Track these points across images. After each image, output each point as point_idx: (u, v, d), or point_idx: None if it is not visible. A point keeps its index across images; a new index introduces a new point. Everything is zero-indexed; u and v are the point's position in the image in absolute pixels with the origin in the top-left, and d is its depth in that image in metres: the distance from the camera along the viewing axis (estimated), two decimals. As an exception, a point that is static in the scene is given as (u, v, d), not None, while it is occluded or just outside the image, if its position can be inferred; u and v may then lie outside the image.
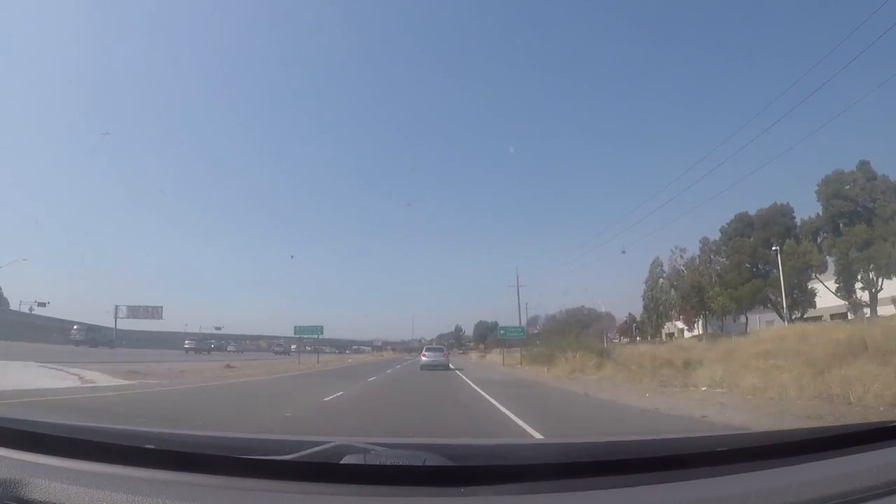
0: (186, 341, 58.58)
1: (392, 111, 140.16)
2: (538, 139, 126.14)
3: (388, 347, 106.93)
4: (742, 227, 54.40)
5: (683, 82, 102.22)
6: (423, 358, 27.85)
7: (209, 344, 64.99)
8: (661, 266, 68.53)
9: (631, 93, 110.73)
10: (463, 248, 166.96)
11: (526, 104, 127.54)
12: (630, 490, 1.33)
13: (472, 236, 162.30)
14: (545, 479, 1.37)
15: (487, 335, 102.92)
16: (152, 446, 1.46)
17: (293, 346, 66.10)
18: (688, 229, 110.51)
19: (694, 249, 61.54)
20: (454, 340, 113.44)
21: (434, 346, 39.62)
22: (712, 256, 62.70)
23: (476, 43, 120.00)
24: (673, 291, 64.70)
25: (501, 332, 39.68)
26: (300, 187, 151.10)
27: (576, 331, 46.87)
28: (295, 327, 39.99)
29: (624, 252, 52.01)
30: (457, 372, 25.14)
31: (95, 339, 47.21)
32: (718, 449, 1.58)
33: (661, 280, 68.19)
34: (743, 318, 57.47)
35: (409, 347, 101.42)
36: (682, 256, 63.06)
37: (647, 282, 71.40)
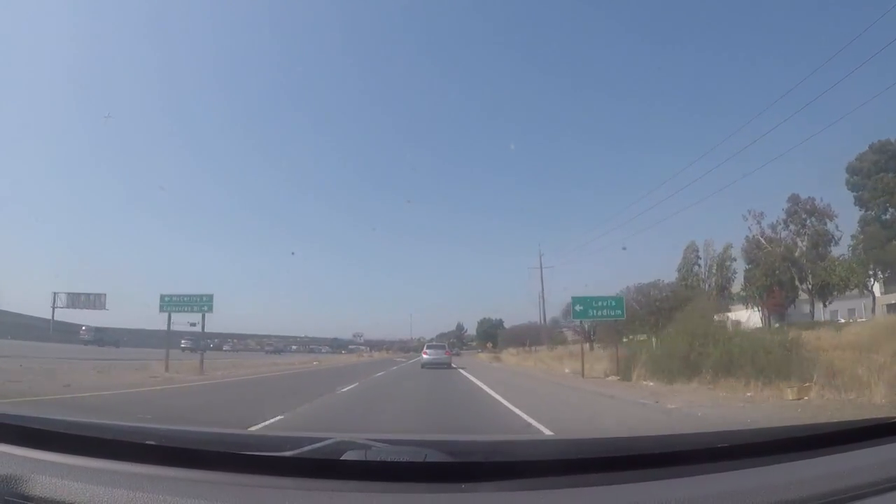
0: (182, 340, 57.17)
1: (391, 110, 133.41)
2: (538, 137, 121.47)
3: (384, 347, 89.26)
4: (884, 159, 36.77)
5: (685, 82, 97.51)
6: (425, 356, 26.46)
7: (207, 343, 65.23)
8: (697, 251, 56.59)
9: (631, 93, 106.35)
10: (463, 246, 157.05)
11: (526, 103, 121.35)
12: (631, 486, 1.32)
13: (473, 235, 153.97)
14: (546, 476, 1.36)
15: (495, 333, 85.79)
16: (153, 442, 1.45)
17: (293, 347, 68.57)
18: (686, 226, 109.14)
19: (775, 213, 47.27)
20: (456, 339, 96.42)
21: (435, 343, 36.14)
22: (806, 218, 44.25)
23: (475, 42, 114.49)
24: (709, 273, 52.56)
25: (577, 308, 20.01)
26: (297, 185, 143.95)
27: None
28: (161, 297, 20.60)
29: (625, 248, 45.26)
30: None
31: (102, 339, 48.02)
32: (718, 445, 1.57)
33: (697, 266, 56.22)
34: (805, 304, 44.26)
35: (407, 347, 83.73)
36: (759, 223, 47.93)
37: (679, 269, 57.47)
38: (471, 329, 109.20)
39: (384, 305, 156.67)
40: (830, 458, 1.53)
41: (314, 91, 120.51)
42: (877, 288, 40.77)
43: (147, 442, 1.46)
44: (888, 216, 38.14)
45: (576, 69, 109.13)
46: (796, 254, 43.47)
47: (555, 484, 1.33)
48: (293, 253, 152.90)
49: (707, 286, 51.28)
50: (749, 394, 10.43)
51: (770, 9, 76.80)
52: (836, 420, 2.24)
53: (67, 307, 56.49)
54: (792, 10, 77.08)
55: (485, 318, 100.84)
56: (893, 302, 37.89)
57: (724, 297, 48.22)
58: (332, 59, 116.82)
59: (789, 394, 9.27)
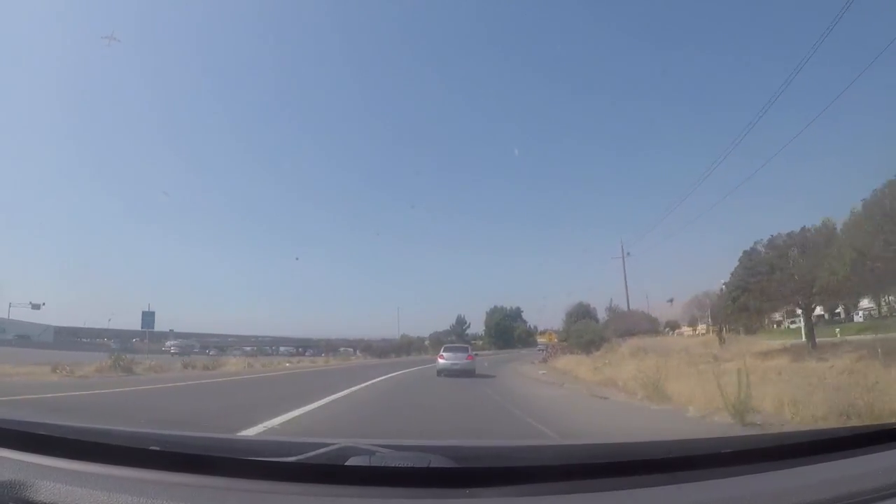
0: (171, 345, 57.41)
1: (394, 116, 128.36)
2: (541, 142, 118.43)
3: (351, 347, 64.93)
4: None
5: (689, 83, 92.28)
6: (441, 360, 22.12)
7: (200, 347, 62.53)
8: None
9: (633, 95, 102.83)
10: (463, 245, 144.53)
11: (529, 108, 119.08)
12: (635, 492, 1.32)
13: (473, 234, 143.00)
14: (550, 481, 1.36)
15: (512, 327, 61.24)
16: (157, 448, 1.46)
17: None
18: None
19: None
20: (455, 338, 69.90)
21: (455, 344, 28.62)
22: None
23: (478, 47, 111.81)
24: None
25: None
26: (279, 178, 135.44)
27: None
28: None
29: (629, 254, 36.20)
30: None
31: (127, 347, 49.82)
32: (724, 451, 1.57)
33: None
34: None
35: (383, 349, 57.55)
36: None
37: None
38: (476, 325, 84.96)
39: (375, 305, 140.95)
40: (836, 463, 1.53)
41: (316, 95, 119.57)
42: None
43: (151, 447, 1.46)
44: None
45: (578, 73, 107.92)
46: None
47: (559, 489, 1.33)
48: (297, 258, 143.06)
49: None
50: None
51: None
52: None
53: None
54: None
55: (496, 307, 75.68)
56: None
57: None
58: (336, 64, 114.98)
59: None
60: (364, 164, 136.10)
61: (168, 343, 62.00)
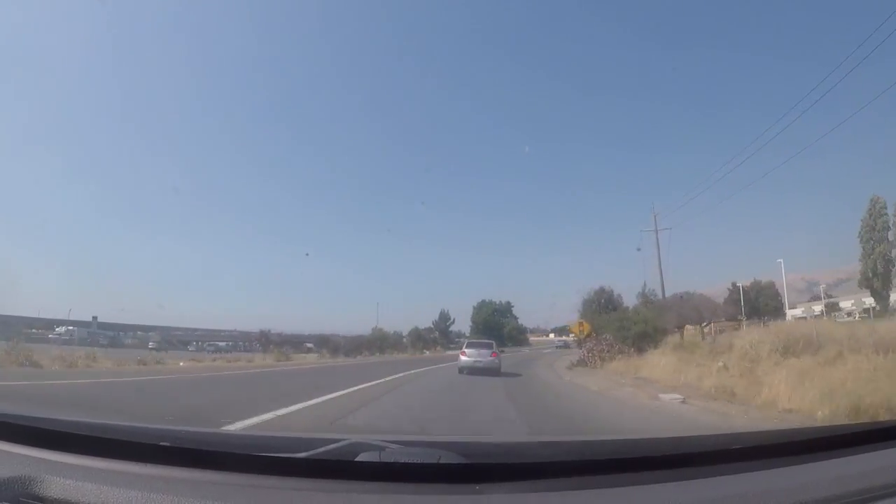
0: (150, 343, 51.86)
1: (388, 113, 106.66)
2: (545, 142, 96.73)
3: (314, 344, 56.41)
4: None
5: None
6: (464, 357, 19.87)
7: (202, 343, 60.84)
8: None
9: (639, 95, 76.20)
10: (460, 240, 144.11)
11: (527, 106, 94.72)
12: (644, 488, 1.34)
13: (465, 229, 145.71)
14: (560, 477, 1.38)
15: (502, 324, 54.36)
16: (167, 444, 1.47)
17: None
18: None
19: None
20: (439, 334, 62.77)
21: (479, 340, 23.81)
22: None
23: (488, 50, 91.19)
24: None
25: None
26: (280, 181, 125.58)
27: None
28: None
29: (639, 250, 31.98)
30: None
31: (115, 340, 49.46)
32: (733, 447, 1.59)
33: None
34: None
35: (350, 346, 49.94)
36: None
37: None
38: (461, 321, 75.31)
39: (352, 297, 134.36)
40: (844, 460, 1.54)
41: (316, 91, 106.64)
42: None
43: (161, 443, 1.46)
44: None
45: (584, 74, 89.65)
46: None
47: (569, 485, 1.34)
48: (307, 254, 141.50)
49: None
50: None
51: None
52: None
53: None
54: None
55: (484, 301, 68.25)
56: None
57: None
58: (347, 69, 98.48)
59: None
60: (358, 160, 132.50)
61: (58, 329, 53.91)
